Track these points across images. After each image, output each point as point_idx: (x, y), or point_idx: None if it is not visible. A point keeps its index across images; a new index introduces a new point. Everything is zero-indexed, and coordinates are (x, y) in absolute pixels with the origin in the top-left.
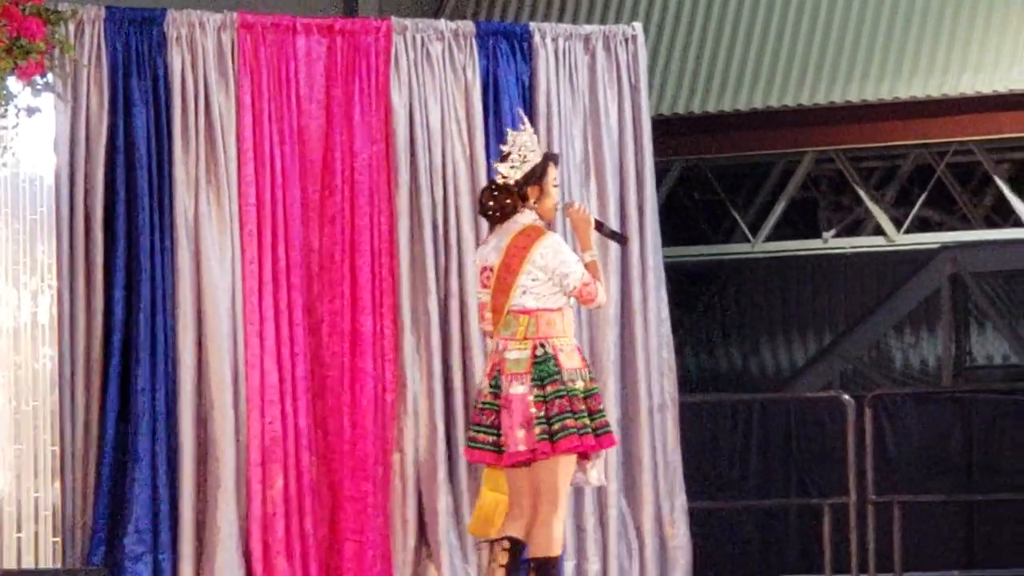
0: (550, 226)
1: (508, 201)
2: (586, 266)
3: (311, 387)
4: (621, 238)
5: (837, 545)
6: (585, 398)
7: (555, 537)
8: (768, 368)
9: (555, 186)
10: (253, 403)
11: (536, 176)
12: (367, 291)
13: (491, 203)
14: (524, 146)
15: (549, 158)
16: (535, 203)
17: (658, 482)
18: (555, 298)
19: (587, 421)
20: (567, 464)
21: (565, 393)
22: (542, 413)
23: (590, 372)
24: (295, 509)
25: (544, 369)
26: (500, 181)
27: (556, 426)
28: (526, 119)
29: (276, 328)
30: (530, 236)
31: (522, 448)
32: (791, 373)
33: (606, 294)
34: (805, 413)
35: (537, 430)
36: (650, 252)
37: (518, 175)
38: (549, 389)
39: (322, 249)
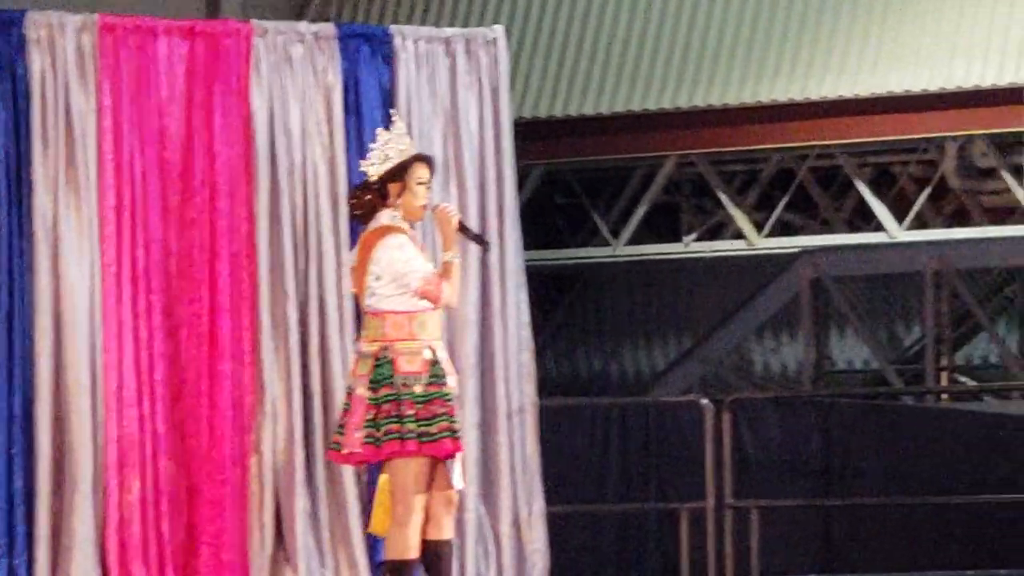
0: (413, 227)
1: (368, 198)
2: (443, 265)
3: (169, 390)
4: (483, 241)
5: (695, 550)
6: (424, 403)
7: (409, 541)
8: (628, 372)
9: (420, 184)
10: (111, 406)
11: (397, 174)
12: (226, 294)
13: (353, 201)
14: (387, 144)
15: (417, 158)
16: (398, 201)
17: (516, 486)
18: (403, 300)
19: (412, 426)
20: (415, 467)
21: (394, 398)
22: (371, 416)
23: (438, 377)
24: (152, 512)
25: (380, 372)
26: (364, 180)
27: (382, 430)
28: (397, 119)
29: (134, 331)
30: (376, 235)
31: (357, 450)
32: (651, 377)
33: (455, 295)
34: (665, 417)
35: (364, 433)
36: (510, 255)
37: (380, 172)
38: (381, 393)
39: (181, 252)
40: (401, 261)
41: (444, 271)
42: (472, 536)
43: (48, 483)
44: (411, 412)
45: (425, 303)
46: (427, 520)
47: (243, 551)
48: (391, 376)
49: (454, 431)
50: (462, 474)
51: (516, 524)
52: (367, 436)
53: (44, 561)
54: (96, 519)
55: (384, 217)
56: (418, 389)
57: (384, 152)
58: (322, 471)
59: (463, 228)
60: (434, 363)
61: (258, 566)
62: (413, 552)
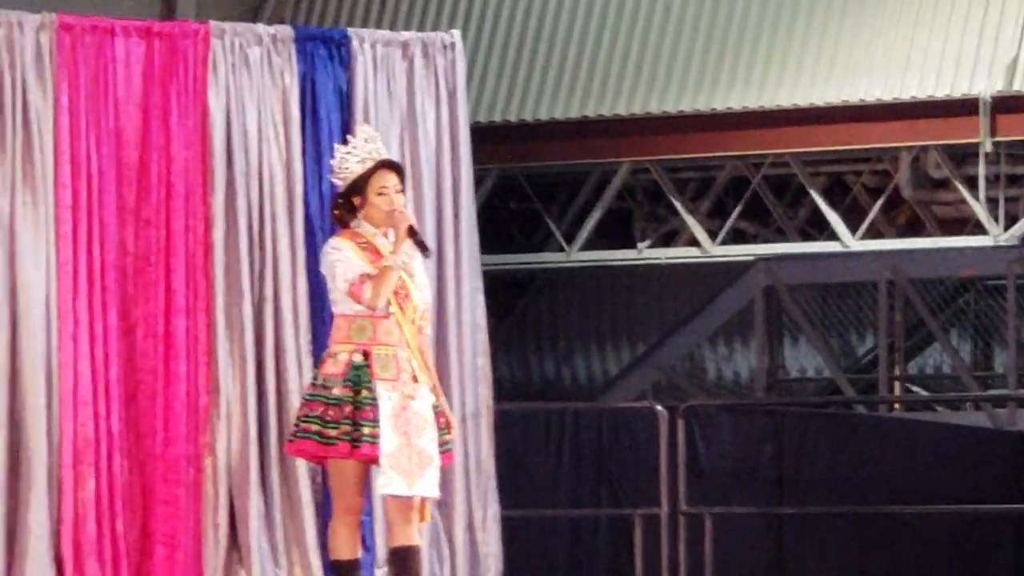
0: (385, 234)
1: (336, 212)
2: (381, 268)
3: (124, 390)
4: (424, 248)
5: (648, 556)
6: (335, 405)
7: (334, 540)
8: (581, 377)
9: (380, 195)
10: (66, 405)
11: (356, 186)
12: (182, 294)
13: (332, 215)
14: (343, 158)
15: (378, 166)
16: (362, 211)
17: (471, 490)
18: (346, 303)
19: (317, 426)
20: (332, 468)
21: (310, 398)
22: (300, 413)
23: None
24: (106, 512)
25: (314, 372)
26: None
27: (300, 427)
28: (359, 130)
29: (90, 330)
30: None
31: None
32: (604, 383)
33: (378, 297)
34: (618, 423)
35: (291, 429)
36: (465, 259)
37: (341, 185)
38: (306, 391)
39: (137, 251)
40: (330, 263)
41: (378, 273)
42: (426, 540)
43: (3, 481)
44: (318, 412)
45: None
46: (388, 527)
47: (197, 551)
48: (313, 377)
49: (355, 438)
50: (434, 483)
51: (470, 528)
52: (291, 432)
53: None
54: (51, 517)
55: (355, 226)
56: (335, 391)
57: (343, 166)
58: (276, 472)
59: (412, 232)
60: (359, 367)
61: (212, 567)
62: (339, 552)
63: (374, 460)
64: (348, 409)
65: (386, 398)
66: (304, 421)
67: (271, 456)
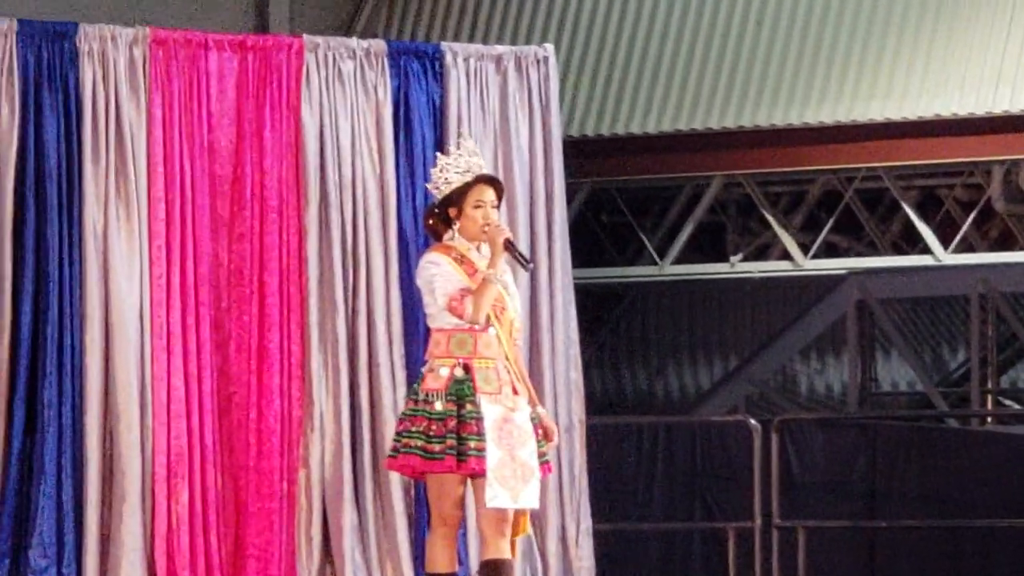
0: (479, 248)
1: (430, 221)
2: (481, 282)
3: (218, 403)
4: (526, 262)
5: (741, 570)
6: (440, 420)
7: (431, 553)
8: (673, 391)
9: (477, 208)
10: (159, 417)
11: (453, 198)
12: (275, 308)
13: (424, 224)
14: (444, 168)
15: (477, 180)
16: (457, 224)
17: (564, 504)
18: (444, 317)
19: (420, 442)
20: (432, 483)
21: (411, 413)
22: (399, 429)
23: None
24: (200, 524)
25: (412, 388)
26: (430, 202)
27: (401, 443)
28: (462, 142)
29: (183, 343)
30: (421, 257)
31: (388, 456)
32: (697, 396)
33: (479, 312)
34: (711, 437)
35: (391, 444)
36: (559, 273)
37: (438, 195)
38: (407, 407)
39: (231, 265)
40: (430, 278)
41: (477, 288)
42: (519, 553)
43: (97, 493)
44: (422, 427)
45: (459, 321)
46: (481, 540)
47: (290, 564)
48: (415, 393)
49: (461, 452)
50: (536, 496)
51: (563, 541)
52: (392, 447)
53: (92, 571)
54: (144, 529)
55: (448, 239)
56: (437, 406)
57: (443, 176)
58: (370, 485)
59: (509, 246)
60: (461, 381)
61: None
62: (436, 566)
63: (481, 474)
64: (452, 423)
65: (489, 411)
66: (407, 436)
67: (364, 469)
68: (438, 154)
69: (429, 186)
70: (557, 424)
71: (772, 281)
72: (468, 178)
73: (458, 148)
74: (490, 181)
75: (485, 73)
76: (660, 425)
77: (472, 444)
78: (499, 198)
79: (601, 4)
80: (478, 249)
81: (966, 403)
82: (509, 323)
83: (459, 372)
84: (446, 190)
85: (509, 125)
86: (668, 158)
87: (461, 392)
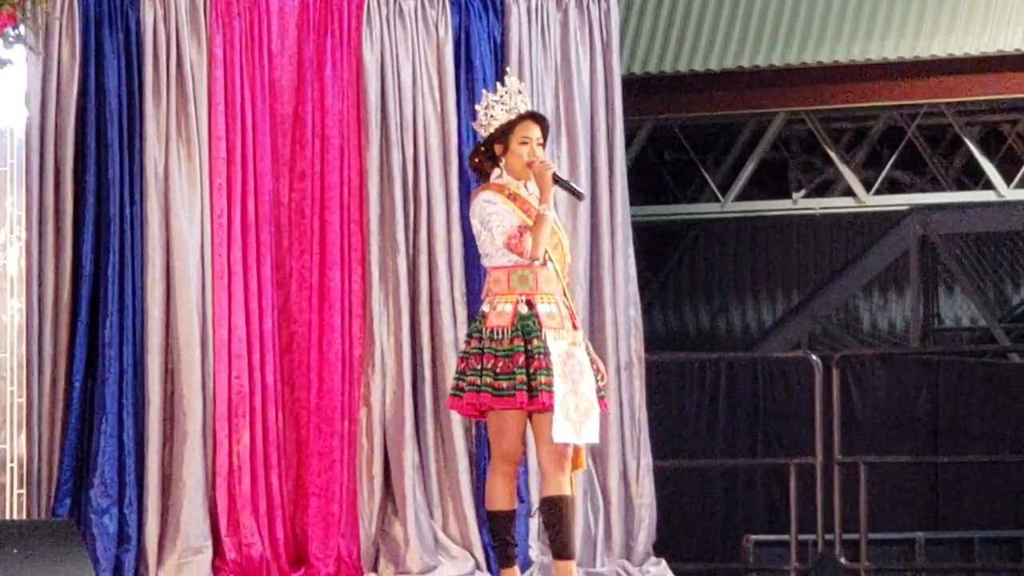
0: (525, 186)
1: (476, 160)
2: (536, 218)
3: (278, 342)
4: (577, 192)
5: (803, 505)
6: (507, 356)
7: (492, 490)
8: (736, 328)
9: (523, 144)
10: (220, 357)
11: (498, 136)
12: (336, 246)
13: (470, 163)
14: (491, 105)
15: (524, 116)
16: (503, 161)
17: (624, 440)
18: (502, 255)
19: (490, 379)
20: (494, 419)
21: (479, 351)
22: (459, 368)
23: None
24: (261, 464)
25: (475, 326)
26: (478, 140)
27: (466, 381)
28: (508, 80)
29: (244, 282)
30: (474, 194)
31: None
32: (759, 333)
33: (538, 248)
34: (772, 373)
35: (453, 384)
36: (619, 210)
37: (484, 134)
38: (471, 346)
39: (291, 204)
40: (487, 216)
41: (534, 224)
42: (579, 490)
43: (158, 433)
44: (489, 365)
45: (517, 258)
46: (541, 476)
47: (351, 504)
48: (478, 331)
49: (532, 387)
50: (596, 430)
51: (624, 478)
52: (453, 387)
53: (154, 511)
54: (205, 469)
55: (495, 176)
56: (505, 343)
57: (489, 114)
58: (431, 424)
59: (557, 179)
60: (526, 317)
61: (367, 518)
62: (496, 503)
63: (549, 409)
64: (521, 359)
65: (554, 346)
66: (472, 375)
67: (426, 408)
68: (484, 91)
69: (475, 124)
70: (618, 361)
71: (834, 218)
72: (513, 115)
73: (504, 85)
74: (536, 118)
75: (546, 9)
76: (722, 362)
77: (542, 379)
78: (544, 136)
79: None
80: (525, 187)
81: None
82: (562, 259)
83: (523, 308)
84: (493, 126)
85: (570, 61)
86: (730, 95)
87: (527, 328)
